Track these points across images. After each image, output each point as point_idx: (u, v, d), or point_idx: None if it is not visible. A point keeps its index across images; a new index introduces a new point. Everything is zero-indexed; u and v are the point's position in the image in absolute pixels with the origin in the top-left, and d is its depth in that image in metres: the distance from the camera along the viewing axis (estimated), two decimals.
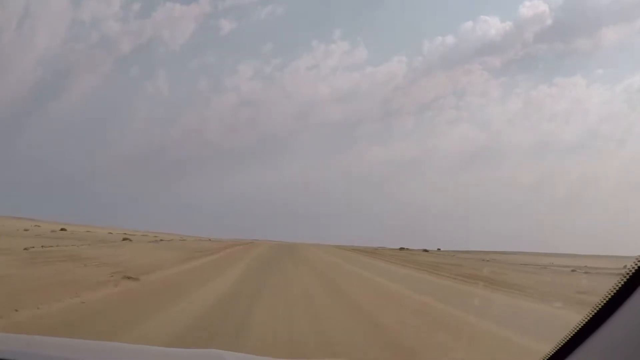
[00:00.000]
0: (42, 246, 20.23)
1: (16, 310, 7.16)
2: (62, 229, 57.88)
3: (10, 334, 2.88)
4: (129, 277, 12.36)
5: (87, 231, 63.72)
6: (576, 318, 1.63)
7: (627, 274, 1.47)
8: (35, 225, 60.67)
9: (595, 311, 1.55)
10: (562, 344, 1.70)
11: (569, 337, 1.66)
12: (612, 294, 1.50)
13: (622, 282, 1.48)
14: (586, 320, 1.58)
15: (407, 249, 71.26)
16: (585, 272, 31.46)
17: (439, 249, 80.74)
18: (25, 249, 18.16)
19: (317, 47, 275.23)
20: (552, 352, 1.75)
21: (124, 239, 37.54)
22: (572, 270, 32.83)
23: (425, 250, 68.65)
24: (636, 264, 1.44)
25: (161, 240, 45.36)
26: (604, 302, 1.52)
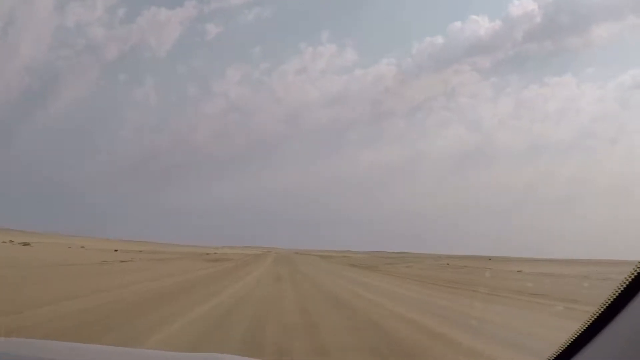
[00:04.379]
0: None
1: None
2: None
3: (18, 338, 2.89)
4: None
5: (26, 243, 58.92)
6: None
7: (628, 278, 1.48)
8: None
9: (597, 315, 1.56)
10: (563, 349, 1.71)
11: (570, 340, 1.67)
12: (613, 298, 1.51)
13: (623, 287, 1.48)
14: (587, 324, 1.59)
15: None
16: None
17: None
18: None
19: (305, 50, 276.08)
20: (553, 357, 1.77)
21: None
22: None
23: None
24: (637, 268, 1.46)
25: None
26: (605, 306, 1.53)
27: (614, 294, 1.52)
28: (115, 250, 63.11)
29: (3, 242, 62.86)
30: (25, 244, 61.88)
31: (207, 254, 75.36)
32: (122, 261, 38.47)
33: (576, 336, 1.66)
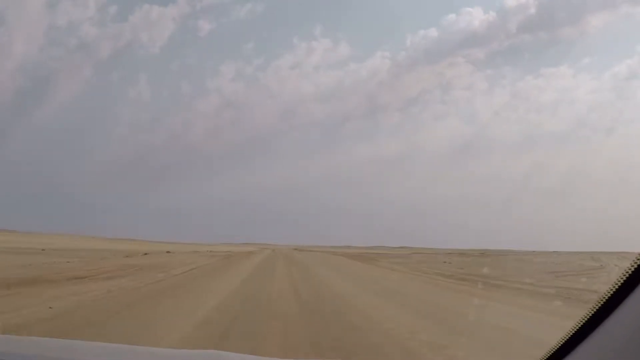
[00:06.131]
0: None
1: None
2: None
3: (11, 335, 2.88)
4: None
5: None
6: None
7: (627, 271, 1.45)
8: None
9: (595, 309, 1.53)
10: (561, 343, 1.68)
11: (569, 335, 1.64)
12: (612, 292, 1.48)
13: (622, 280, 1.45)
14: (586, 318, 1.56)
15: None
16: None
17: None
18: None
19: (299, 45, 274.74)
20: (552, 351, 1.73)
21: None
22: None
23: None
24: (636, 262, 1.42)
25: None
26: (604, 300, 1.50)
27: (612, 289, 1.48)
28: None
29: None
30: None
31: (162, 253, 47.44)
32: None
33: (573, 332, 1.62)
